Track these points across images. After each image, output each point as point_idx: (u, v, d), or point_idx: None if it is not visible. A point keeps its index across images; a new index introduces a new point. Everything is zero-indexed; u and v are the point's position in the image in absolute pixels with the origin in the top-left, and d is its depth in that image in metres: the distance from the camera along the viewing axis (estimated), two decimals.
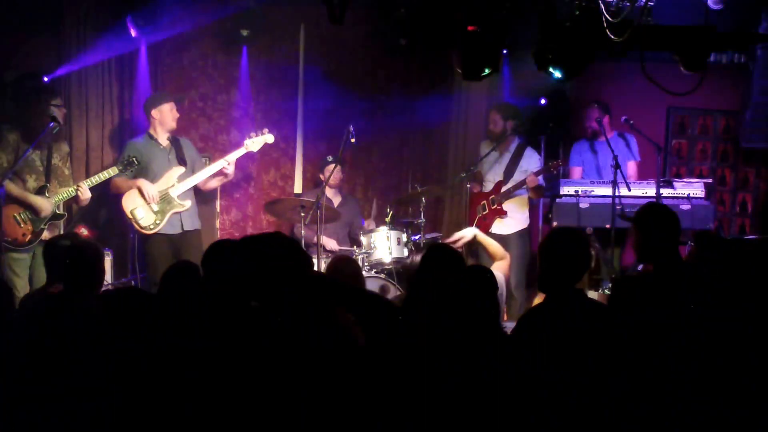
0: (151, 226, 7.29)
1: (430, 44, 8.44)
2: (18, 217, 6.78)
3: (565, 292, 3.76)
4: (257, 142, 7.68)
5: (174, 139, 7.54)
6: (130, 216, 7.27)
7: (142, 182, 7.27)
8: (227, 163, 7.55)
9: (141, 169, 7.34)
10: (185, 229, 7.42)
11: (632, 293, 4.06)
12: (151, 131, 7.45)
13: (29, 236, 6.80)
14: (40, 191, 6.89)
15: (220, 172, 7.58)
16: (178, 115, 7.52)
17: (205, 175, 7.55)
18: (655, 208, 4.71)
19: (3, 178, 6.59)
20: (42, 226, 6.85)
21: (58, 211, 6.94)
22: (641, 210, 4.58)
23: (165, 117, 7.42)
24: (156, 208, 7.29)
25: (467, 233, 5.92)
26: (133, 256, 7.52)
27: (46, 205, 6.86)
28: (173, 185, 7.39)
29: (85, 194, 7.00)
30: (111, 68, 7.91)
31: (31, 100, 7.05)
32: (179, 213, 7.39)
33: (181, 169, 7.45)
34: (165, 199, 7.33)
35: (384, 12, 8.17)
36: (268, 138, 7.73)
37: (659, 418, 3.40)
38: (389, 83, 8.78)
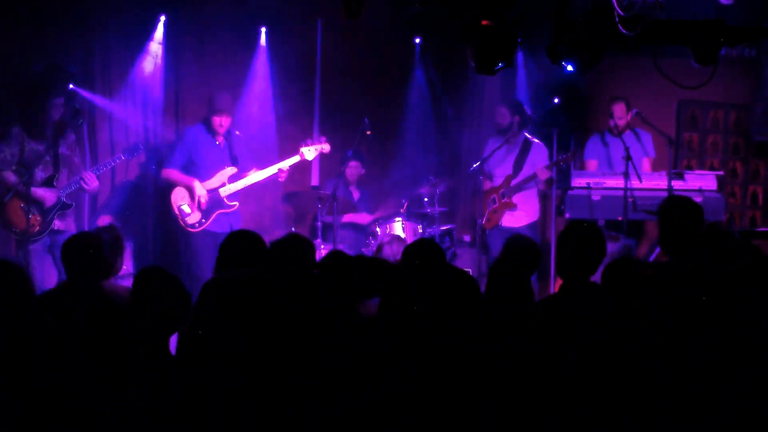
0: (196, 225, 7.35)
1: (444, 38, 8.57)
2: (25, 209, 6.78)
3: (579, 283, 3.89)
4: (313, 150, 7.62)
5: (228, 134, 7.57)
6: (177, 212, 7.34)
7: (195, 182, 7.34)
8: (281, 169, 7.50)
9: (193, 164, 7.42)
10: (233, 229, 7.39)
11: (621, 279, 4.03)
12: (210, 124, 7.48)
13: (37, 227, 6.81)
14: (48, 181, 6.91)
15: (271, 178, 7.56)
16: (225, 127, 7.50)
17: (256, 179, 7.52)
18: (677, 201, 4.74)
19: (5, 171, 6.68)
20: (50, 216, 6.85)
21: (66, 201, 6.92)
22: (664, 203, 4.62)
23: (214, 121, 7.43)
24: (203, 207, 7.35)
25: None
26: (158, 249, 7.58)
27: (49, 195, 6.85)
28: (223, 185, 7.45)
29: (91, 183, 6.94)
30: (133, 60, 7.98)
31: (37, 93, 7.09)
32: (227, 213, 7.45)
33: (233, 170, 7.47)
34: (213, 199, 7.38)
35: (399, 6, 8.27)
36: (325, 147, 7.68)
37: (670, 404, 3.45)
38: (404, 77, 8.89)
